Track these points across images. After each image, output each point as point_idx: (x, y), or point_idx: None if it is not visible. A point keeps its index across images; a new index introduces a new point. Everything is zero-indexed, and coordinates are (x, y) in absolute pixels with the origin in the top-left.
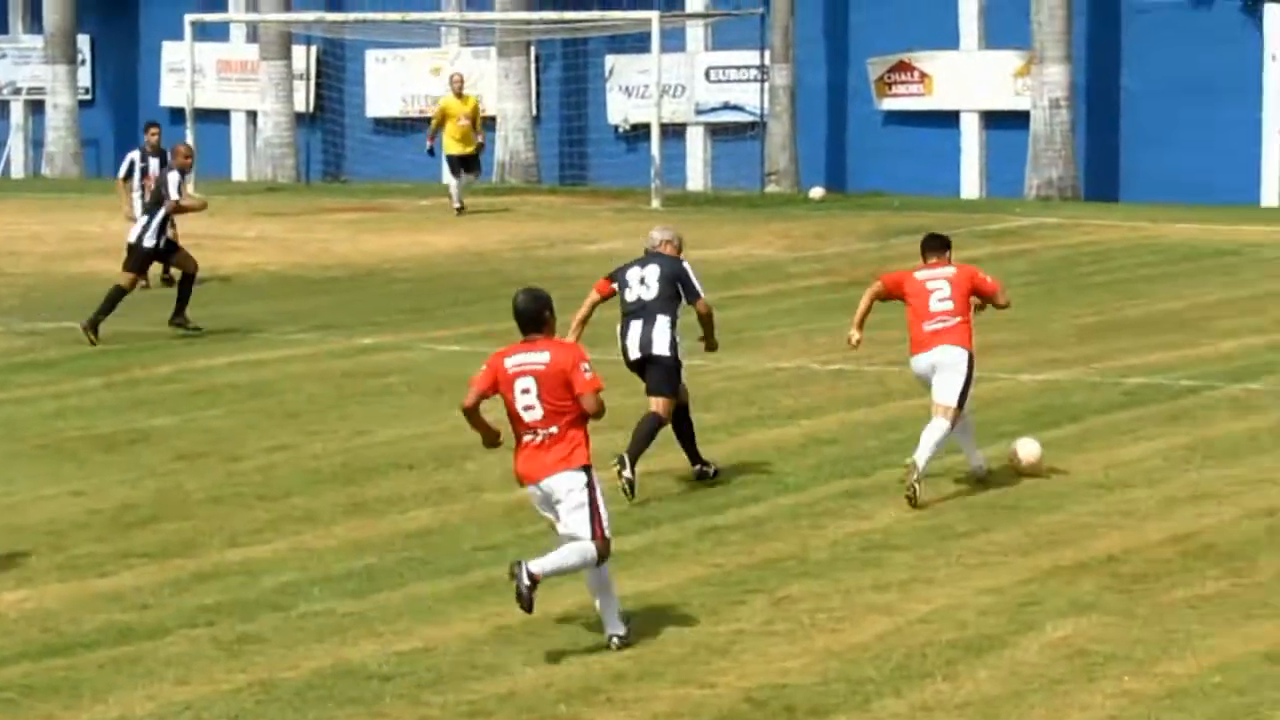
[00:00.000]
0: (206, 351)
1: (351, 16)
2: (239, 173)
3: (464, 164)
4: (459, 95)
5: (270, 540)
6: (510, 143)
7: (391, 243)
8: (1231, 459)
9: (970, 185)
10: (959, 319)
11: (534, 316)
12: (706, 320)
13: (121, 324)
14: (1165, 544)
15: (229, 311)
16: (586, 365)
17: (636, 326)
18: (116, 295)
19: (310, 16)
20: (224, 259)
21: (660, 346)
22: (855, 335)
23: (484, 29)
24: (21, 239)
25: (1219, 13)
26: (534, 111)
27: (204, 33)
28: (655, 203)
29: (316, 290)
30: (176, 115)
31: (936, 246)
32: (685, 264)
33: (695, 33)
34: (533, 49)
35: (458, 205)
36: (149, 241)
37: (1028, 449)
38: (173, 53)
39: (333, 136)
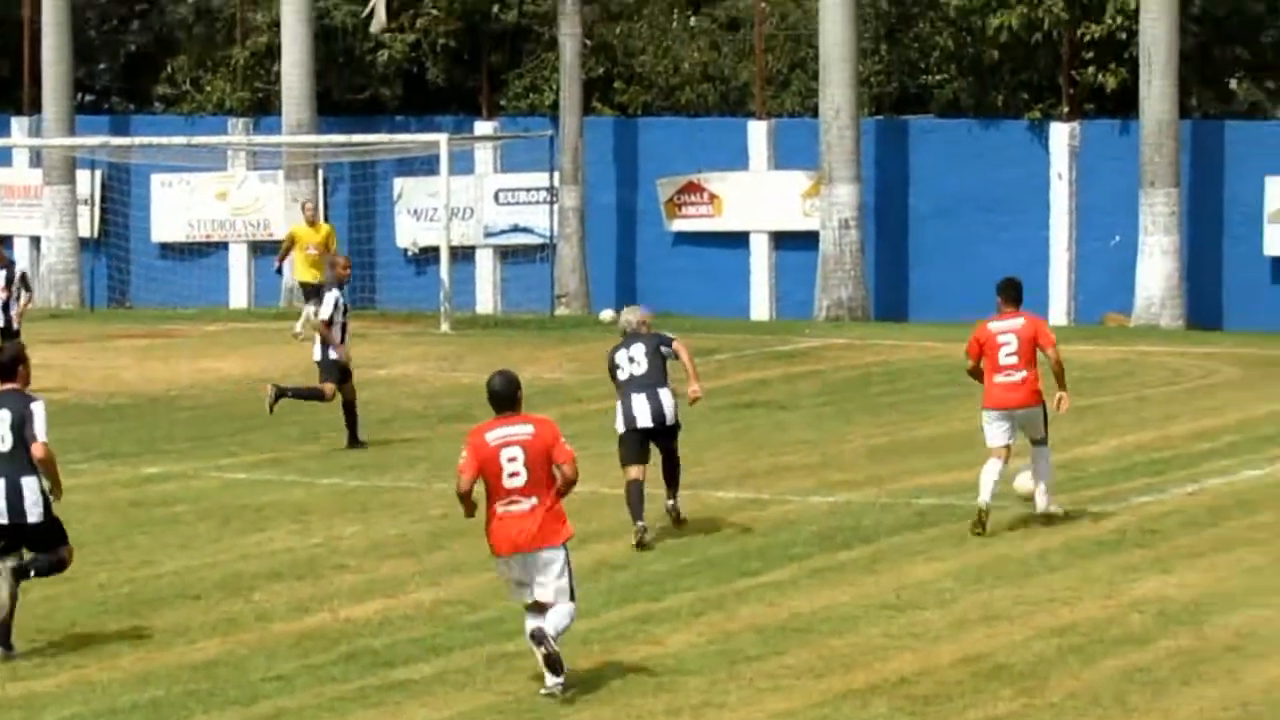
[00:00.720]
0: None
1: (137, 140)
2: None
3: (317, 293)
4: (310, 223)
5: (53, 674)
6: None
7: (178, 369)
8: (1022, 579)
9: (760, 306)
10: (1025, 373)
11: (510, 396)
12: (689, 359)
13: None
14: (957, 665)
15: None
16: (564, 438)
17: (641, 399)
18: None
19: (95, 141)
20: None
21: (671, 416)
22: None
23: (271, 152)
24: None
25: (1006, 132)
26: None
27: None
28: (444, 326)
29: (101, 418)
30: None
31: (1011, 295)
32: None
33: (484, 155)
34: (320, 172)
35: (298, 331)
36: None
37: (1022, 481)
38: None
39: (118, 262)
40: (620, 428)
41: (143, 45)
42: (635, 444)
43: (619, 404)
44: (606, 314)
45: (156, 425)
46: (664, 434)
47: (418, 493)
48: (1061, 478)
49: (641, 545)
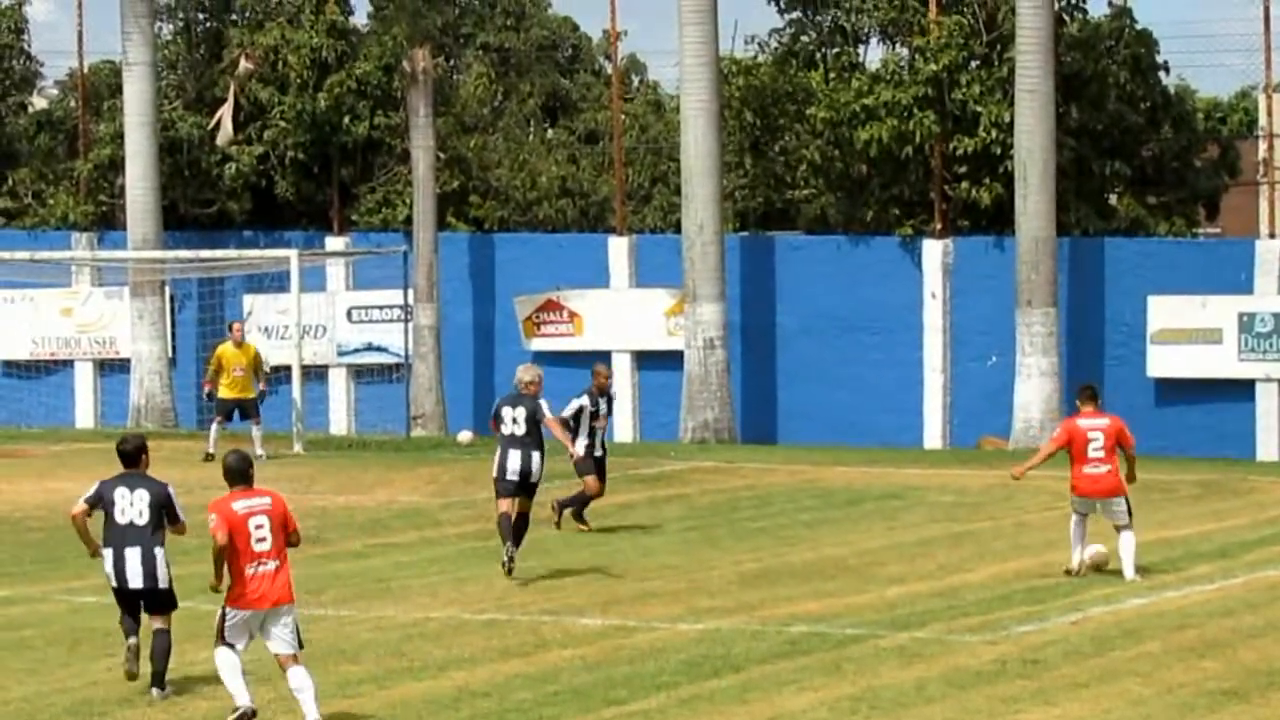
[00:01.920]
0: None
1: None
2: None
3: (241, 410)
4: (238, 344)
5: None
6: (145, 385)
7: (23, 489)
8: (898, 709)
9: (623, 428)
10: (1109, 465)
11: (244, 472)
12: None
13: None
14: None
15: None
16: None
17: (515, 455)
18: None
19: None
20: None
21: (535, 474)
22: (1021, 470)
23: (116, 268)
24: None
25: (876, 248)
26: (169, 353)
27: None
28: (297, 446)
29: None
30: None
31: (1090, 396)
32: (541, 401)
33: (336, 271)
34: (168, 289)
35: (211, 450)
36: None
37: (1093, 551)
38: None
39: None
40: (495, 473)
41: None
42: (506, 489)
43: (496, 452)
44: (464, 435)
45: (2, 547)
46: (526, 489)
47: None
48: (938, 606)
49: (509, 571)
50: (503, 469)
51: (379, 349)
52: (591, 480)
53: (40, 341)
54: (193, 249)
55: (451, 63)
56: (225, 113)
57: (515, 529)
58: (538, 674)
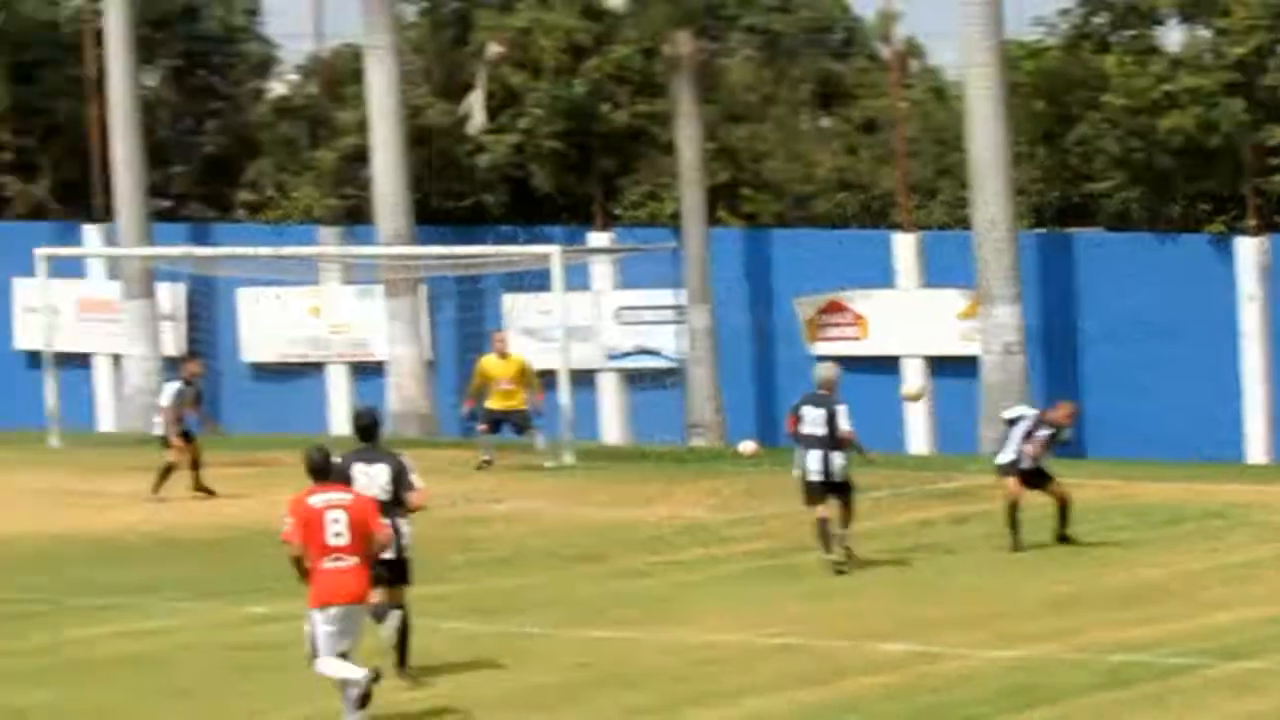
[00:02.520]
0: (84, 621)
1: (221, 251)
2: (106, 423)
3: (510, 423)
4: (502, 356)
5: None
6: (403, 391)
7: (281, 501)
8: None
9: (918, 438)
10: None
11: (324, 468)
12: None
13: None
14: None
15: (106, 577)
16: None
17: (816, 456)
18: None
19: (175, 251)
20: (95, 519)
21: (839, 474)
22: None
23: (366, 265)
24: None
25: (1184, 247)
26: (428, 356)
27: (61, 269)
28: (567, 457)
29: (200, 553)
30: (33, 359)
31: None
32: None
33: (601, 270)
34: (423, 287)
35: (486, 458)
36: None
37: None
38: (25, 291)
39: (206, 383)
40: (796, 473)
41: (221, 147)
42: (813, 490)
43: (797, 453)
44: (746, 446)
45: (260, 562)
46: (834, 489)
47: (549, 639)
48: (1270, 633)
49: (839, 572)
50: (805, 469)
51: (650, 353)
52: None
53: (290, 343)
54: (447, 244)
55: (716, 46)
56: (476, 99)
57: (841, 515)
58: (836, 702)
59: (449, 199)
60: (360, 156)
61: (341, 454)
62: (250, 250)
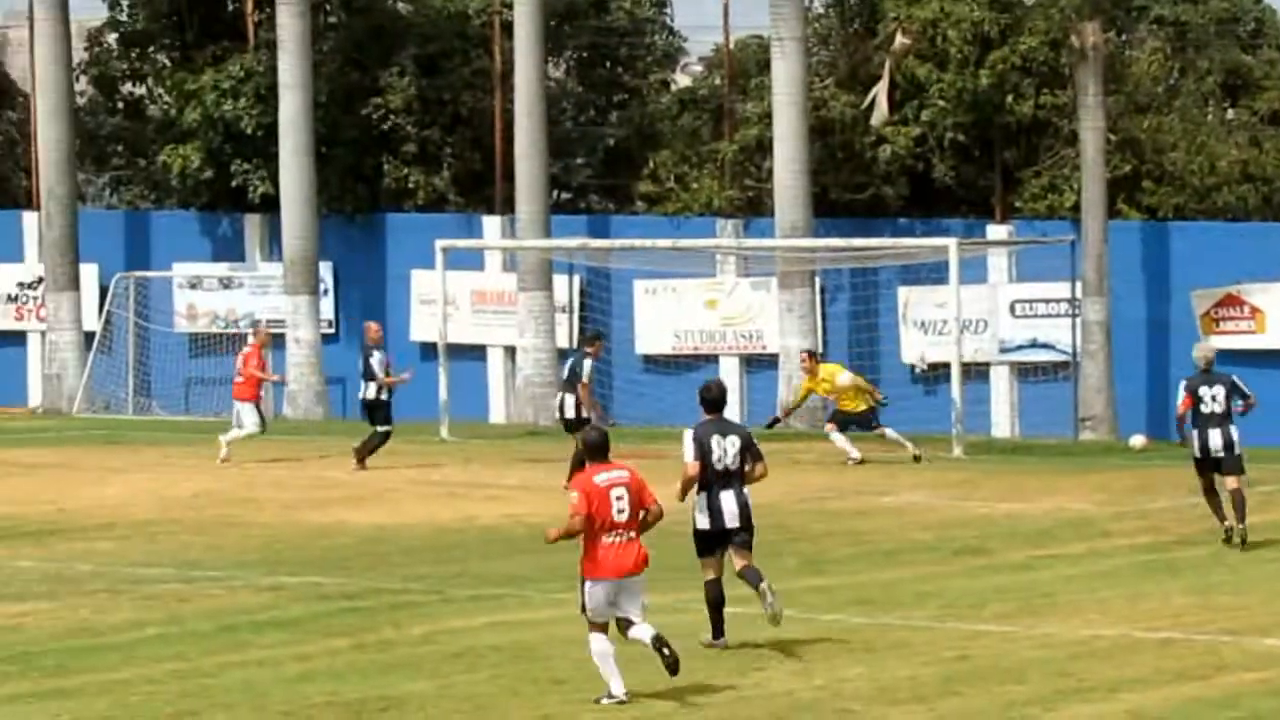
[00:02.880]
0: (464, 611)
1: (618, 243)
2: (497, 414)
3: (856, 423)
4: (810, 374)
5: None
6: (795, 383)
7: (661, 494)
8: None
9: None
10: None
11: (603, 447)
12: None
13: (375, 579)
14: None
15: (488, 568)
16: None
17: (1216, 434)
18: None
19: (573, 243)
20: (482, 509)
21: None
22: None
23: (763, 257)
24: (262, 485)
25: None
26: (820, 349)
27: (457, 260)
28: (957, 450)
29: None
30: (428, 350)
31: None
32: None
33: (998, 262)
34: (818, 280)
35: (855, 456)
36: None
37: None
38: (423, 282)
39: (599, 375)
40: (1196, 454)
41: (622, 139)
42: (1206, 468)
43: (1194, 432)
44: (1137, 440)
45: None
46: (1221, 463)
47: (929, 632)
48: None
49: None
50: (1204, 448)
51: (1044, 346)
52: None
53: (683, 335)
54: (844, 237)
55: (1123, 38)
56: (880, 91)
57: (1234, 503)
58: (1217, 698)
59: (847, 191)
60: (762, 148)
61: (694, 427)
62: (647, 242)
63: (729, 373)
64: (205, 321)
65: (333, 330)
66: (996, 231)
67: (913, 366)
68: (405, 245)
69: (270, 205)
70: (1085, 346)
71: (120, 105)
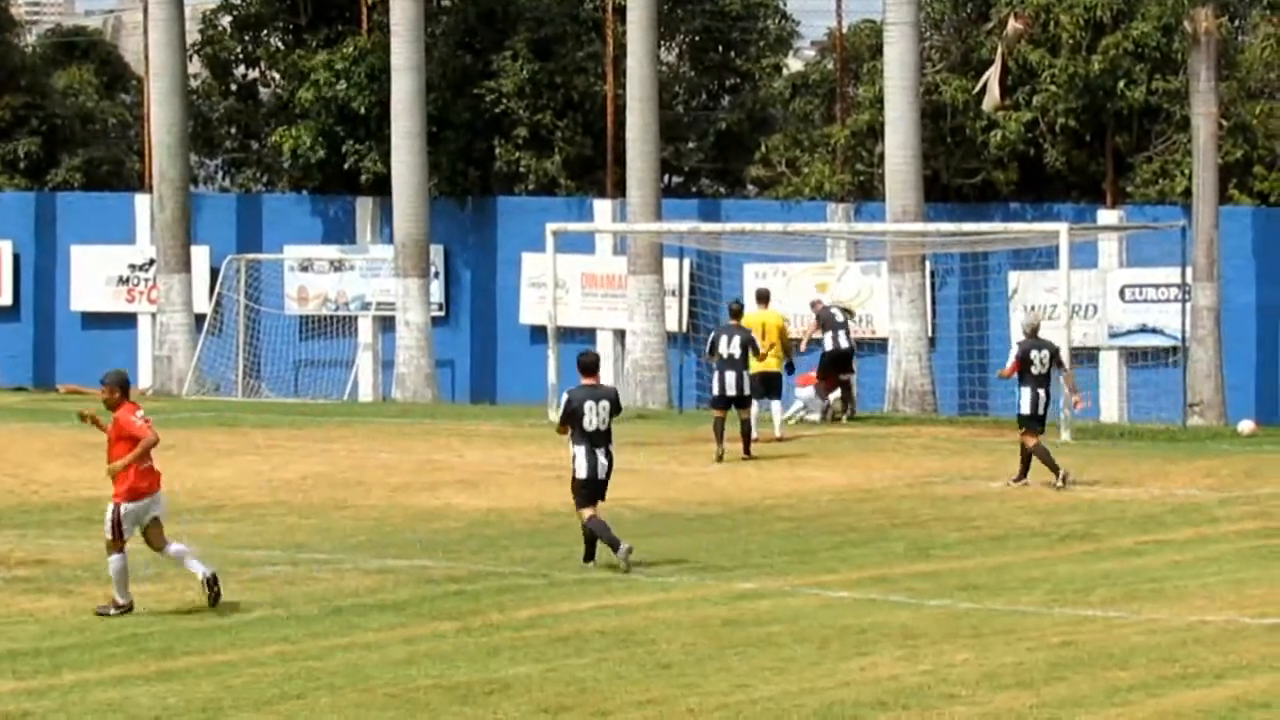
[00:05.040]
0: (571, 595)
1: (729, 227)
2: None
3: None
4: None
5: None
6: (904, 367)
7: (772, 477)
8: None
9: None
10: None
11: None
12: None
13: (482, 562)
14: None
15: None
16: None
17: None
18: None
19: (684, 227)
20: None
21: None
22: None
23: (874, 242)
24: (370, 468)
25: None
26: (929, 333)
27: (567, 244)
28: (1065, 435)
29: (690, 529)
30: (537, 333)
31: None
32: None
33: (1108, 247)
34: (928, 264)
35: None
36: None
37: None
38: (533, 265)
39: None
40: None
41: (734, 124)
42: None
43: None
44: (1245, 425)
45: (751, 538)
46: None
47: (1036, 617)
48: None
49: None
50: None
51: (1153, 331)
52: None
53: (793, 319)
54: (955, 221)
55: (1236, 23)
56: (993, 76)
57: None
58: None
59: (958, 175)
60: (873, 133)
61: (570, 391)
62: (758, 226)
63: None
64: (316, 304)
65: (443, 313)
66: (1107, 217)
67: None
68: (516, 228)
69: (381, 188)
70: (1195, 332)
71: (233, 88)
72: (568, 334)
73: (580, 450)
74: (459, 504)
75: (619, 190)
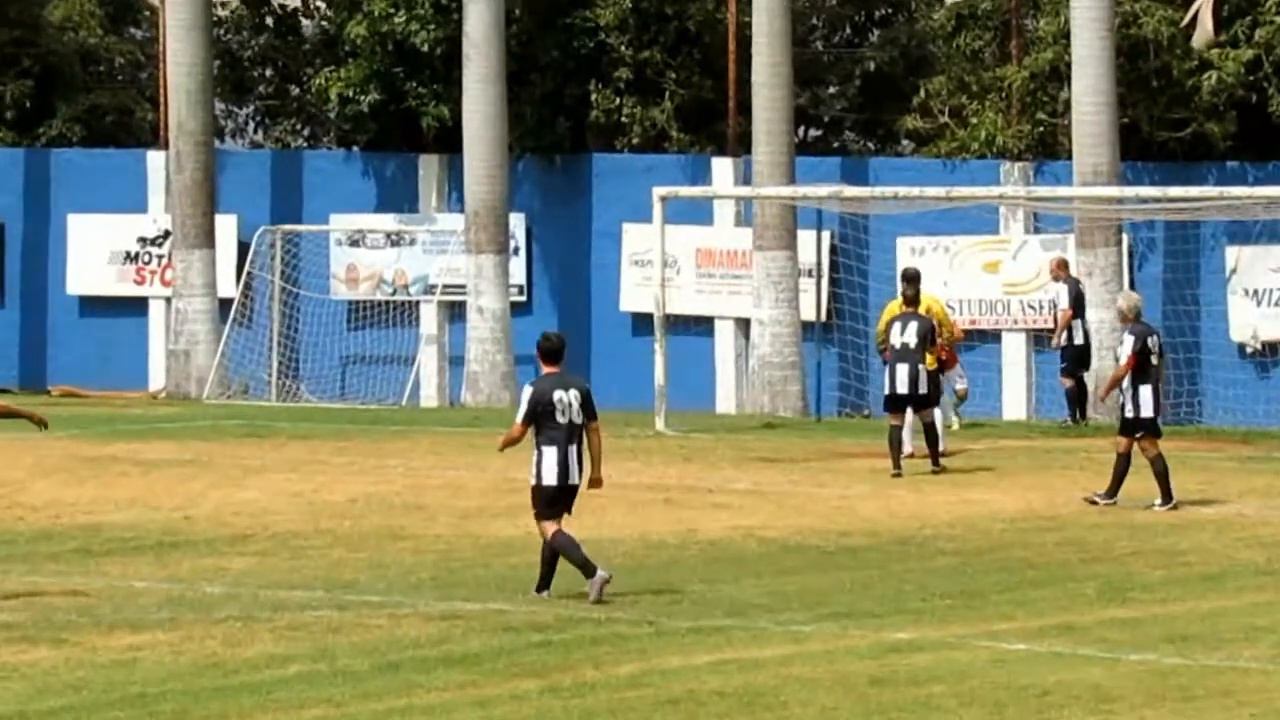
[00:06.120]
0: (683, 647)
1: (878, 191)
2: (725, 402)
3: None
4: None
5: None
6: (1097, 365)
7: (932, 501)
8: None
9: None
10: None
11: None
12: None
13: (573, 606)
14: None
15: (712, 592)
16: None
17: None
18: None
19: (823, 191)
20: (705, 520)
21: None
22: None
23: (1058, 210)
24: (434, 489)
25: None
26: None
27: (679, 212)
28: None
29: (831, 565)
30: (640, 323)
31: None
32: None
33: None
34: (1125, 238)
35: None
36: None
37: None
38: (637, 239)
39: (852, 354)
40: None
41: (885, 64)
42: None
43: None
44: None
45: (905, 576)
46: None
47: (1260, 675)
48: None
49: None
50: None
51: None
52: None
53: (957, 306)
54: (1158, 184)
55: None
56: (1204, 6)
57: None
58: None
59: (1163, 128)
60: (1057, 75)
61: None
62: (915, 190)
63: (1013, 352)
64: (368, 287)
65: (524, 298)
66: None
67: (1242, 345)
68: (615, 194)
69: (450, 143)
70: None
71: (269, 20)
72: (679, 324)
73: (550, 452)
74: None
75: (743, 146)
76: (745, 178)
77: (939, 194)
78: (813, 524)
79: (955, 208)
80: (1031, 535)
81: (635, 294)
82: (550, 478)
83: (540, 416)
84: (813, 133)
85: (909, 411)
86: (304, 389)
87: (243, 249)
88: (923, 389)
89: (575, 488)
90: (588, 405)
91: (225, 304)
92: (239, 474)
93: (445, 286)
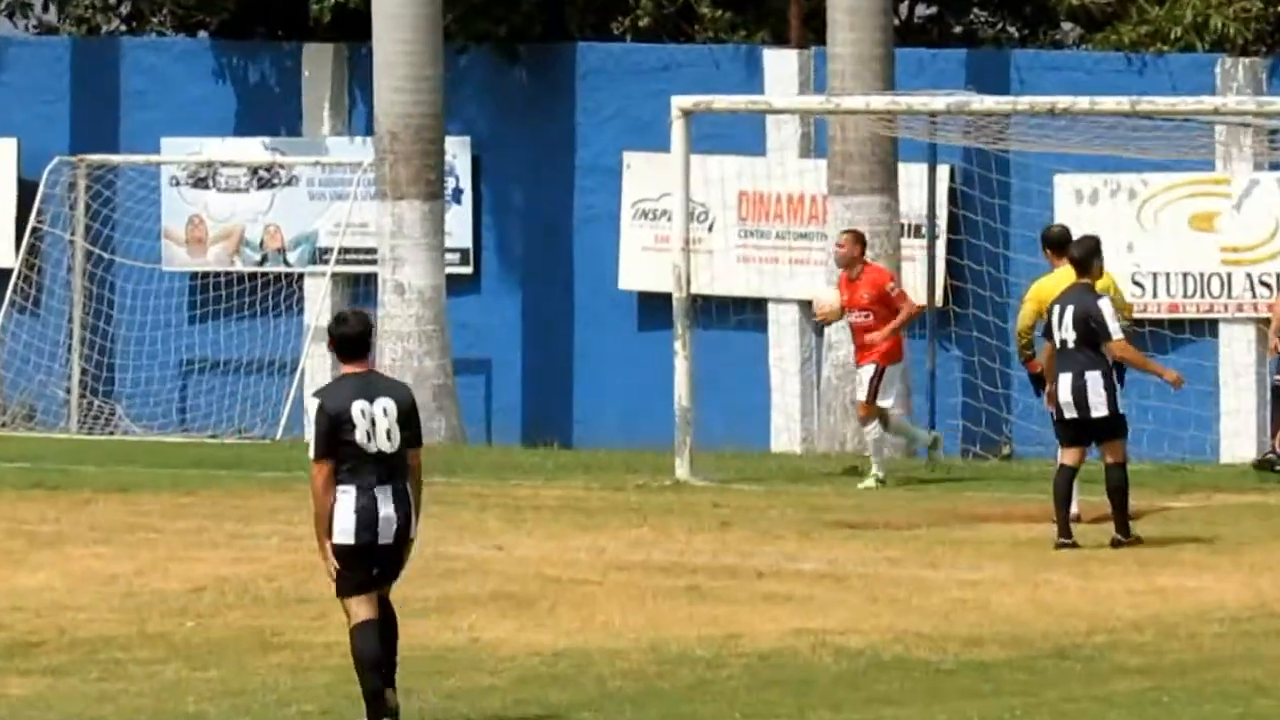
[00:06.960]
0: None
1: (1023, 102)
2: (784, 435)
3: None
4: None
5: None
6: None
7: (1107, 590)
8: None
9: None
10: None
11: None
12: None
13: None
14: None
15: None
16: None
17: None
18: None
19: (940, 103)
20: (752, 620)
21: None
22: None
23: None
24: (325, 571)
25: None
26: None
27: (710, 135)
28: None
29: (951, 691)
30: (650, 308)
31: None
32: None
33: None
34: None
35: None
36: None
37: None
38: (644, 175)
39: (981, 356)
40: None
41: None
42: None
43: None
44: None
45: (1067, 709)
46: None
47: None
48: None
49: None
50: None
51: None
52: None
53: (1148, 281)
54: None
55: None
56: None
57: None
58: None
59: None
60: None
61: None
62: (1084, 101)
63: (1235, 349)
64: (222, 251)
65: (468, 268)
66: None
67: None
68: (611, 106)
69: (352, 27)
70: None
71: None
72: (714, 311)
73: (348, 494)
74: (495, 640)
75: (813, 32)
76: (819, 83)
77: (1120, 105)
78: (921, 627)
79: (1145, 129)
80: (1262, 643)
81: (642, 264)
82: (346, 534)
83: (334, 443)
84: (922, 10)
85: (1090, 445)
86: (122, 413)
87: (26, 191)
88: (1103, 408)
89: (391, 548)
90: (408, 422)
91: (1, 277)
92: (21, 547)
93: (344, 251)
